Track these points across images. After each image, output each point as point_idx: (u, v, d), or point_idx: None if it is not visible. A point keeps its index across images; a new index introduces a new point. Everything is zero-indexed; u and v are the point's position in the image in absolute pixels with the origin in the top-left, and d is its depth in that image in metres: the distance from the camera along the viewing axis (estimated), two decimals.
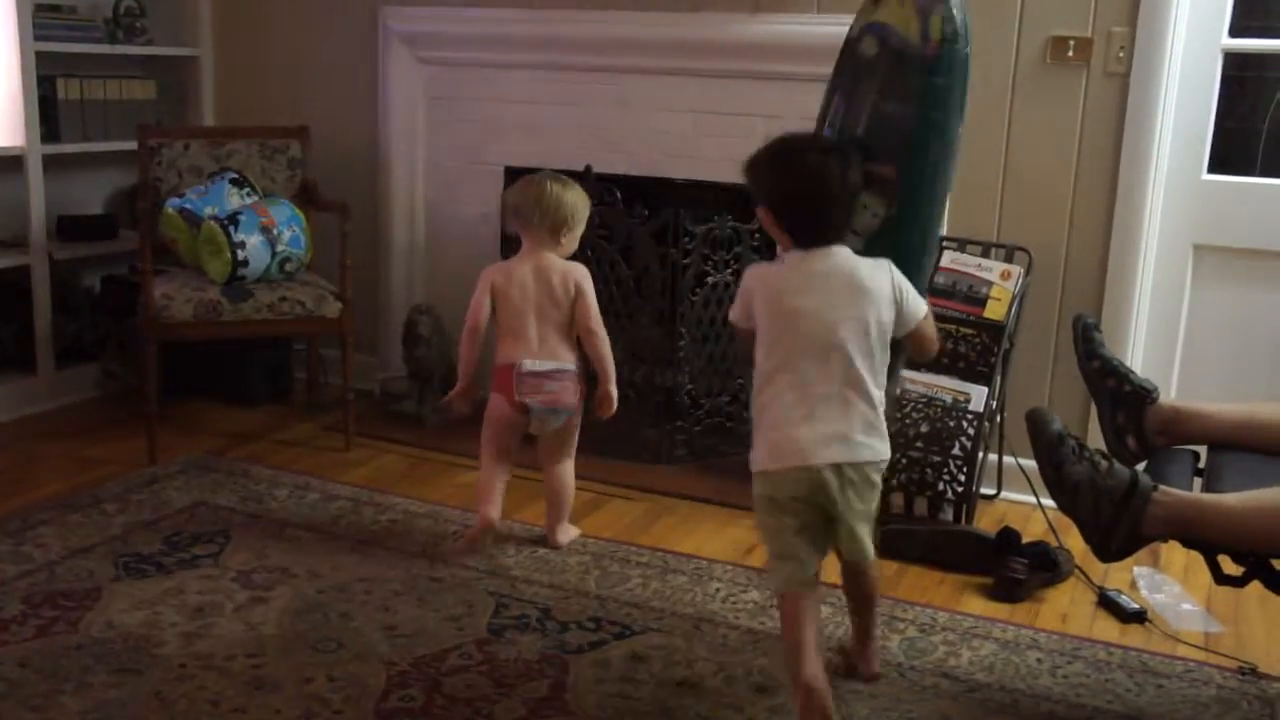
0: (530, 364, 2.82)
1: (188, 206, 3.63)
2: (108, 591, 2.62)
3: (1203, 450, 2.29)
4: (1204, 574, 2.03)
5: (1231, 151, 3.26)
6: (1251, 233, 3.21)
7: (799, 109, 3.50)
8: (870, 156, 2.19)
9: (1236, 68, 3.26)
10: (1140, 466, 2.12)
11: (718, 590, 2.76)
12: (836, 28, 3.33)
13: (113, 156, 4.15)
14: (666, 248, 3.47)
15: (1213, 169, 3.24)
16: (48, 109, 3.87)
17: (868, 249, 2.21)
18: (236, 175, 3.76)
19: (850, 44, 2.28)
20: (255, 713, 2.18)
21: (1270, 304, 3.22)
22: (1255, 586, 1.99)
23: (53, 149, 3.87)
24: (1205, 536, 1.94)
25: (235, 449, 3.62)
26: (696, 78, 3.64)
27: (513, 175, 3.82)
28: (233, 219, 3.50)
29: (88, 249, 4.09)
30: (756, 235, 3.59)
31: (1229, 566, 1.98)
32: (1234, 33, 3.17)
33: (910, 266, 2.23)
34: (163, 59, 4.30)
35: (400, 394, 3.97)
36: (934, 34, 2.15)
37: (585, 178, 3.54)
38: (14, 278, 3.82)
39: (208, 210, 3.59)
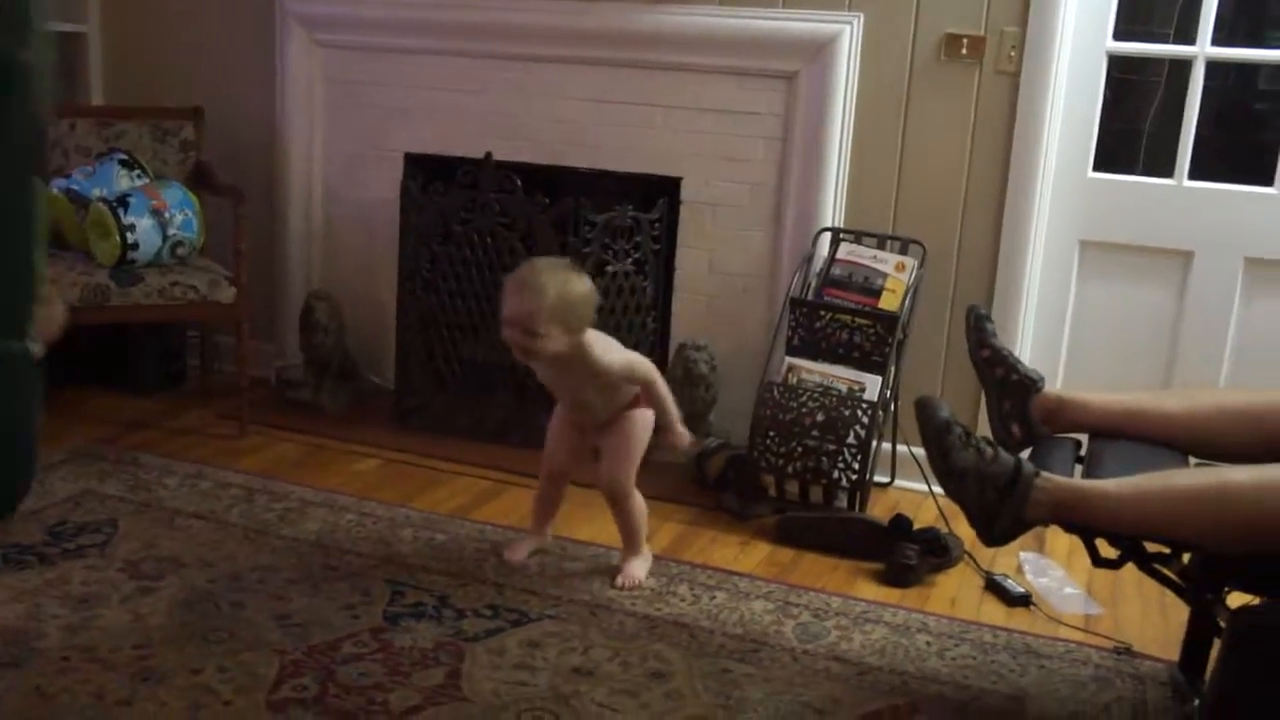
0: None
1: (74, 187, 3.52)
2: None
3: (1084, 438, 2.37)
4: (1086, 559, 2.10)
5: (1115, 150, 3.37)
6: (1134, 229, 3.32)
7: (696, 99, 3.54)
8: None
9: (1121, 70, 3.37)
10: (1025, 454, 2.18)
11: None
12: (734, 20, 3.43)
13: None
14: (567, 236, 3.46)
15: (1098, 167, 3.34)
16: None
17: None
18: (126, 156, 3.66)
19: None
20: (141, 705, 2.13)
21: (1150, 297, 3.34)
22: (1132, 570, 2.07)
23: None
24: (1084, 521, 2.01)
25: (125, 437, 3.53)
26: (597, 66, 3.64)
27: (413, 161, 3.79)
28: (122, 201, 3.41)
29: None
30: (656, 225, 3.61)
31: (1106, 550, 2.05)
32: (1118, 36, 3.27)
33: None
34: None
35: (297, 381, 3.91)
36: None
37: (485, 164, 3.53)
38: None
39: (95, 191, 3.49)
